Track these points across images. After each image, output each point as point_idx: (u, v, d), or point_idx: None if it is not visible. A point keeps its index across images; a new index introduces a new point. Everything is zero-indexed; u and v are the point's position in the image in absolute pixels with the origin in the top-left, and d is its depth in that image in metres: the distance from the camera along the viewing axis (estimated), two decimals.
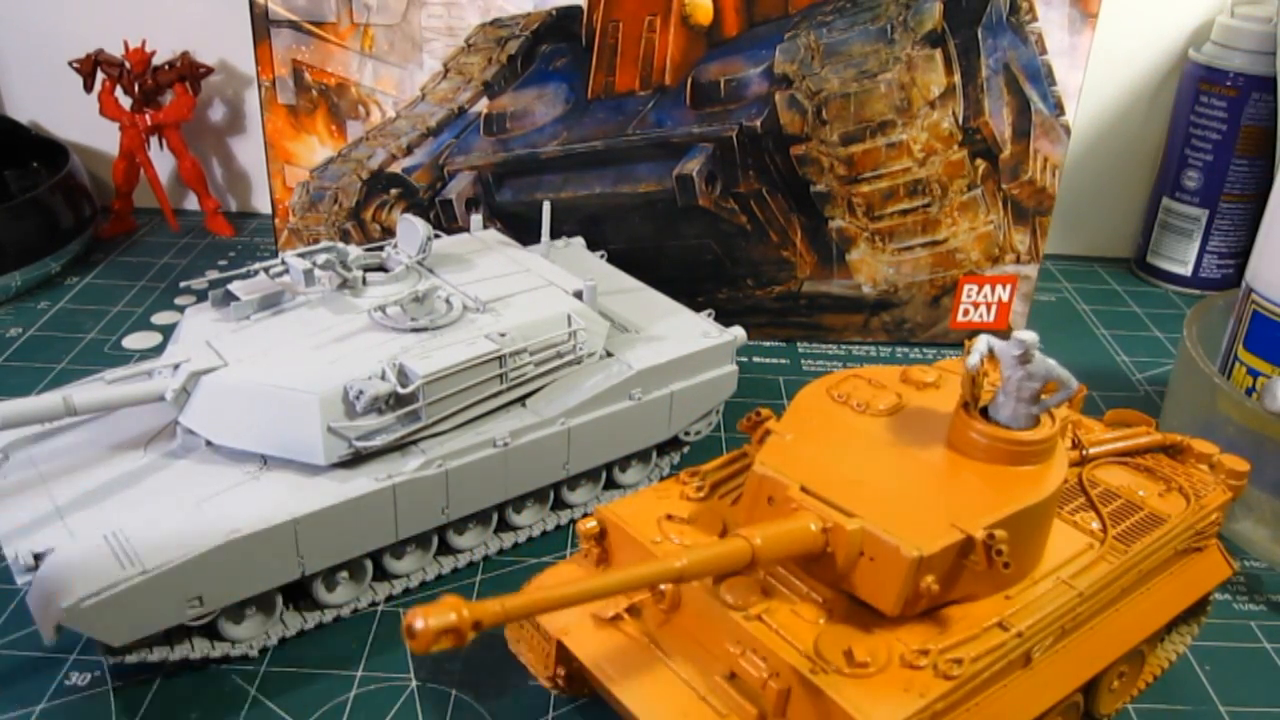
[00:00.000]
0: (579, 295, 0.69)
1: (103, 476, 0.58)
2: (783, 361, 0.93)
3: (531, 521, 0.69)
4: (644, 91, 0.86)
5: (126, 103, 1.07)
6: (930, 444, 0.50)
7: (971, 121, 0.87)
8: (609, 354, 0.69)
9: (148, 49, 1.05)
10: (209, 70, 1.09)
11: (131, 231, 1.13)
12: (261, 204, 1.20)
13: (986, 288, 0.94)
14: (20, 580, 0.52)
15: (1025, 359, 0.47)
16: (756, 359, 0.93)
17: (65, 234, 1.02)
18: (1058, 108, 0.88)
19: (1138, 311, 1.07)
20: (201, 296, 0.93)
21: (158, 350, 0.89)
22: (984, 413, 0.49)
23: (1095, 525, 0.53)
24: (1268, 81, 1.00)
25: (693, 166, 0.88)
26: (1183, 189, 1.08)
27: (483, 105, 0.86)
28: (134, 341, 0.91)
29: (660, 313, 0.76)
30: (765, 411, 0.55)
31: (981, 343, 0.48)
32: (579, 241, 0.87)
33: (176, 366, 0.59)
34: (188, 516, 0.55)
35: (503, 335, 0.62)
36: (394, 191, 0.89)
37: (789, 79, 0.85)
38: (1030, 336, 0.47)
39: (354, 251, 0.68)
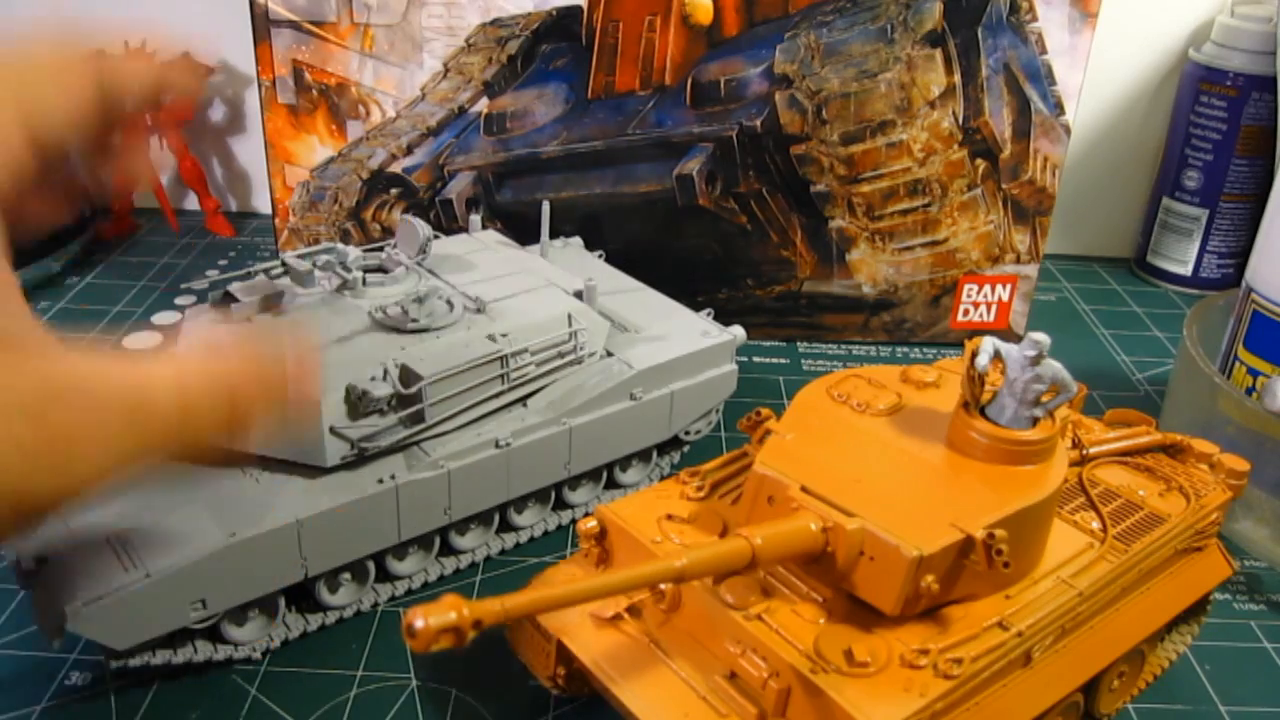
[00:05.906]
0: (579, 295, 0.69)
1: None
2: (783, 361, 0.93)
3: (532, 522, 0.69)
4: (644, 91, 0.86)
5: None
6: (930, 444, 0.50)
7: (971, 121, 0.87)
8: (609, 354, 0.69)
9: (148, 49, 1.05)
10: (209, 70, 1.09)
11: (132, 231, 1.13)
12: (261, 204, 1.20)
13: (986, 287, 0.95)
14: (22, 584, 0.52)
15: (1039, 360, 0.47)
16: (756, 359, 0.93)
17: (65, 234, 1.02)
18: (1058, 108, 0.88)
19: (1138, 311, 1.07)
20: (201, 297, 0.94)
21: (158, 350, 0.89)
22: (982, 413, 0.49)
23: (1095, 525, 0.53)
24: (1268, 81, 1.00)
25: (693, 166, 0.88)
26: (1183, 189, 1.08)
27: (483, 105, 0.86)
28: (134, 341, 0.91)
29: (660, 313, 0.76)
30: (765, 411, 0.55)
31: (989, 344, 0.48)
32: (577, 241, 0.87)
33: None
34: (190, 519, 0.55)
35: (503, 335, 0.62)
36: (394, 191, 0.89)
37: (789, 79, 0.85)
38: (1045, 338, 0.47)
39: (354, 252, 0.68)
